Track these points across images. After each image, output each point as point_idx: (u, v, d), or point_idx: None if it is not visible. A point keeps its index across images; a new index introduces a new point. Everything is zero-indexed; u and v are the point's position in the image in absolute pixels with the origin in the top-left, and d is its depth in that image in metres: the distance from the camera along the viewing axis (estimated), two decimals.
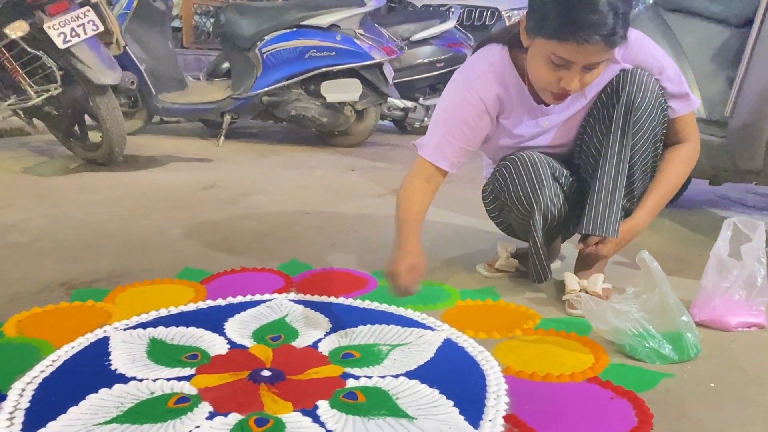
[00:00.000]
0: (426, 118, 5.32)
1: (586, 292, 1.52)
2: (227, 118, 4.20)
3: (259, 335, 1.36)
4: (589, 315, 1.37)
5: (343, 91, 4.07)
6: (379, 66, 4.16)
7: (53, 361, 1.21)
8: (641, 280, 1.35)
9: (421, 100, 5.12)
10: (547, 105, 1.56)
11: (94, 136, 3.39)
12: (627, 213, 1.59)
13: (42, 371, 1.17)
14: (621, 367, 1.27)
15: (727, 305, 1.45)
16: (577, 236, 1.64)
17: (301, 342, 1.33)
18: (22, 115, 3.23)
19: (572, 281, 1.61)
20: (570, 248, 2.00)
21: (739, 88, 2.02)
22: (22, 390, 1.10)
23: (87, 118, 3.38)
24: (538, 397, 1.14)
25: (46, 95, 2.99)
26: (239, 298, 1.56)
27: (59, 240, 2.04)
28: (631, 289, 1.36)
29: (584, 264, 1.68)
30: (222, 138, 4.19)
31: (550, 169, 1.59)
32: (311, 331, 1.39)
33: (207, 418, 1.02)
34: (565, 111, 1.59)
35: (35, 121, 3.29)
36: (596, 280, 1.59)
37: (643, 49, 1.52)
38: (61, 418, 1.02)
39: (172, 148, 4.08)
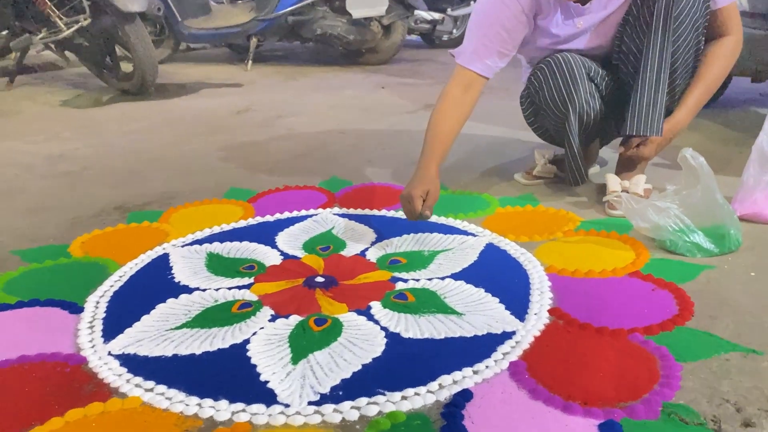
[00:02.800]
0: (455, 30, 5.18)
1: (628, 193, 1.53)
2: (254, 41, 4.17)
3: (309, 246, 1.42)
4: (630, 214, 1.39)
5: (368, 5, 3.98)
6: None
7: (120, 277, 1.30)
8: (682, 178, 1.36)
9: (449, 10, 4.97)
10: (583, 4, 1.53)
11: (126, 67, 3.42)
12: (668, 111, 1.56)
13: (111, 285, 1.26)
14: (662, 261, 1.30)
15: None
16: (617, 141, 1.63)
17: (350, 251, 1.39)
18: (55, 49, 3.26)
19: (614, 182, 1.61)
20: (610, 153, 2.00)
21: None
22: (97, 303, 1.19)
23: (118, 49, 3.40)
24: (580, 291, 1.18)
25: (76, 26, 3.01)
26: (286, 214, 1.62)
27: (107, 167, 2.11)
28: (672, 186, 1.37)
29: (626, 166, 1.68)
30: (250, 62, 4.18)
31: (585, 70, 1.57)
32: (358, 241, 1.44)
33: (270, 320, 1.10)
34: (602, 11, 1.55)
35: (67, 54, 3.32)
36: (638, 181, 1.60)
37: None
38: (136, 325, 1.10)
39: (202, 75, 4.09)
